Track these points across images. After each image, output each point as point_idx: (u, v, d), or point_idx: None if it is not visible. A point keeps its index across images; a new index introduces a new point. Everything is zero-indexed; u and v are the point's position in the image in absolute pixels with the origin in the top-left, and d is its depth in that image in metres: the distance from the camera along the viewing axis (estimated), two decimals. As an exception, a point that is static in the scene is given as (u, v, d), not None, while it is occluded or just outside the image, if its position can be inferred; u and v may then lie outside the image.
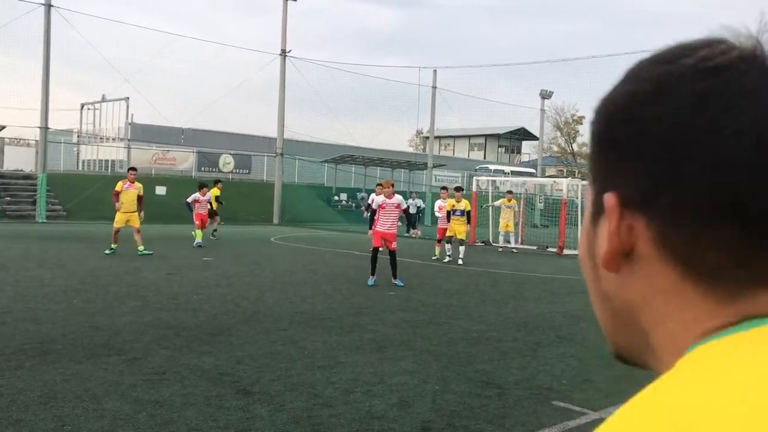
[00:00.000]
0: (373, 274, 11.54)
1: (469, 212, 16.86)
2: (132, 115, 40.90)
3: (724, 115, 0.49)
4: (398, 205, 11.82)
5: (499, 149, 71.12)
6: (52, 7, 28.25)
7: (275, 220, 33.23)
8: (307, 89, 37.75)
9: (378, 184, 14.29)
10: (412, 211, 27.99)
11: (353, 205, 40.67)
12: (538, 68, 55.70)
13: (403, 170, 45.16)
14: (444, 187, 18.64)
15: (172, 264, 13.51)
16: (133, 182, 15.30)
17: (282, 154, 35.51)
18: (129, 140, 39.81)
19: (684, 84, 0.50)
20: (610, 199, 0.53)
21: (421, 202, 28.73)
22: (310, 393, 5.10)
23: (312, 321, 8.07)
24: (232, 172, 40.08)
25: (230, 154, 40.31)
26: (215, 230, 20.75)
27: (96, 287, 10.01)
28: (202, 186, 18.88)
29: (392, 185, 12.21)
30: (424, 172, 43.85)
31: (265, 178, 38.65)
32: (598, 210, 0.57)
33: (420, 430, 4.40)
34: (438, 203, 17.94)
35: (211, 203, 19.52)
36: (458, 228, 16.32)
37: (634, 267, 0.54)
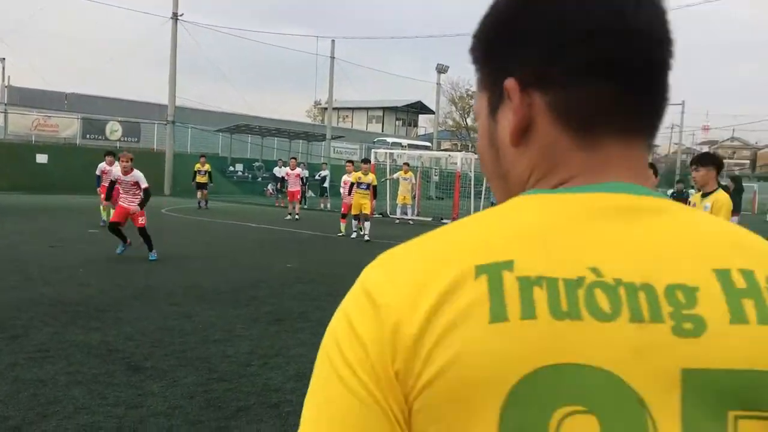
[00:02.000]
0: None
1: (375, 186, 16.17)
2: (9, 77, 38.12)
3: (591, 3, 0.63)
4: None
5: (397, 122, 71.74)
6: None
7: (166, 191, 32.17)
8: (201, 56, 36.60)
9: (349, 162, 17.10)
10: (325, 184, 27.87)
11: (249, 176, 39.94)
12: (434, 42, 56.53)
13: (301, 141, 44.71)
14: (350, 161, 17.79)
15: (55, 237, 12.79)
16: None
17: (173, 122, 34.24)
18: (6, 104, 37.07)
19: None
20: (510, 83, 0.65)
21: (307, 172, 28.63)
22: (205, 367, 5.01)
23: (207, 295, 7.90)
24: (119, 140, 38.25)
25: (118, 121, 38.42)
26: None
27: None
28: (109, 154, 15.36)
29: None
30: (323, 143, 43.65)
31: (155, 147, 37.17)
32: (496, 102, 0.69)
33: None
34: (344, 177, 17.16)
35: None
36: (363, 202, 15.54)
37: (530, 140, 0.66)
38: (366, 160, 16.63)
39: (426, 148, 48.39)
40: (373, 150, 27.19)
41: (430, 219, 22.23)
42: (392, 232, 17.63)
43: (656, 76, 0.65)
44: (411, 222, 21.34)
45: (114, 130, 38.00)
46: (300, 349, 5.64)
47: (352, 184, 15.81)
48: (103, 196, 13.37)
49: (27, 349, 5.26)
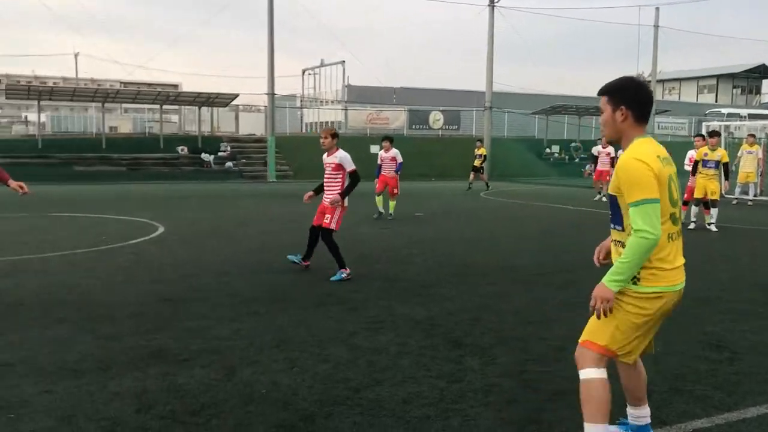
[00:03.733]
0: None
1: (726, 164, 13.05)
2: (348, 77, 42.87)
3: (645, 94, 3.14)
4: None
5: (734, 90, 64.03)
6: (274, -19, 30.27)
7: (484, 175, 33.21)
8: (517, 39, 36.90)
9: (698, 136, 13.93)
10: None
11: (566, 157, 39.14)
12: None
13: (620, 118, 42.37)
14: (699, 134, 14.36)
15: (382, 220, 14.08)
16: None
17: (491, 108, 35.13)
18: (346, 102, 41.78)
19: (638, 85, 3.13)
20: (623, 113, 3.09)
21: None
22: (521, 348, 5.06)
23: (522, 277, 7.97)
24: (441, 128, 40.55)
25: (439, 110, 40.73)
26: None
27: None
28: (386, 139, 15.23)
29: None
30: (645, 119, 40.81)
31: (474, 133, 38.60)
32: (615, 114, 3.10)
33: (639, 393, 4.17)
34: (689, 154, 14.17)
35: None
36: (709, 185, 12.74)
37: (624, 124, 3.09)
38: (714, 133, 13.48)
39: (771, 117, 42.28)
40: (704, 123, 24.62)
41: (775, 199, 19.40)
42: (726, 213, 15.70)
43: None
44: (750, 203, 18.87)
45: (436, 119, 40.41)
46: (620, 337, 5.37)
47: (695, 163, 13.13)
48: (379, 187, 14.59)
49: (363, 320, 5.88)
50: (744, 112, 46.13)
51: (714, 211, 12.83)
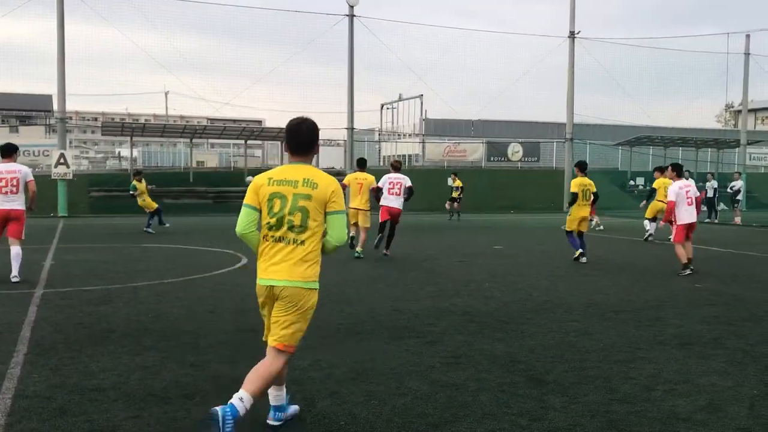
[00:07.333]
0: None
1: None
2: (425, 111, 43.20)
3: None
4: None
5: (833, 119, 60.71)
6: (354, 17, 31.11)
7: (565, 207, 32.57)
8: (598, 70, 36.36)
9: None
10: (710, 194, 25.18)
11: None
12: None
13: (709, 149, 40.88)
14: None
15: (462, 252, 13.99)
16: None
17: (572, 139, 34.55)
18: (423, 135, 42.04)
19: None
20: None
21: (716, 183, 25.70)
22: (606, 387, 4.88)
23: (607, 313, 7.72)
24: (520, 160, 40.14)
25: (518, 142, 40.37)
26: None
27: (396, 273, 10.80)
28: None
29: None
30: (736, 150, 39.17)
31: (554, 165, 37.98)
32: None
33: (735, 439, 3.94)
34: None
35: None
36: None
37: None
38: None
39: None
40: (801, 154, 23.38)
41: None
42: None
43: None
44: None
45: (515, 151, 40.04)
46: (711, 378, 5.11)
47: None
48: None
49: (442, 353, 5.83)
50: None
51: None
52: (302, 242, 3.86)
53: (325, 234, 3.98)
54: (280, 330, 3.88)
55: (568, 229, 12.97)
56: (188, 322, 7.05)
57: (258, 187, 3.90)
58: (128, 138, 35.20)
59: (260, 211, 3.91)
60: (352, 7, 31.24)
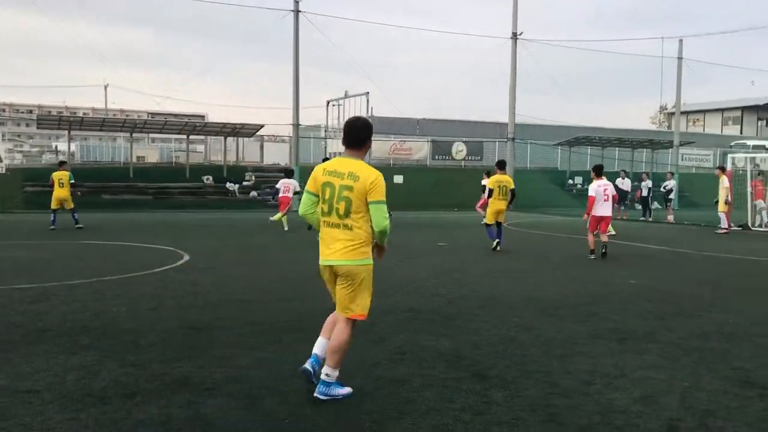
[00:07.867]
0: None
1: None
2: (372, 108, 43.16)
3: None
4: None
5: (759, 122, 63.43)
6: (300, 13, 30.88)
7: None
8: (539, 72, 37.11)
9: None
10: (644, 193, 26.04)
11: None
12: (808, 27, 48.69)
13: (645, 150, 42.18)
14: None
15: (406, 250, 14.08)
16: None
17: (513, 139, 35.16)
18: (369, 132, 41.84)
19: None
20: None
21: (651, 183, 26.59)
22: (546, 381, 5.00)
23: (546, 309, 7.90)
24: (464, 159, 40.61)
25: (462, 141, 40.82)
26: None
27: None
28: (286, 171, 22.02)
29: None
30: (669, 150, 40.57)
31: (497, 164, 38.52)
32: None
33: (667, 428, 4.10)
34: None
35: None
36: None
37: None
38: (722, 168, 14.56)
39: (798, 149, 41.75)
40: (729, 155, 24.39)
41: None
42: (757, 245, 15.55)
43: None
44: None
45: (459, 150, 40.47)
46: (646, 371, 5.29)
47: None
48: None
49: (386, 351, 5.86)
50: (770, 143, 45.63)
51: None
52: (350, 227, 4.45)
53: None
54: (348, 304, 4.55)
55: (488, 223, 14.44)
56: (128, 320, 6.89)
57: (316, 176, 4.57)
58: (65, 132, 34.08)
59: (318, 196, 4.56)
60: (297, 2, 31.02)
